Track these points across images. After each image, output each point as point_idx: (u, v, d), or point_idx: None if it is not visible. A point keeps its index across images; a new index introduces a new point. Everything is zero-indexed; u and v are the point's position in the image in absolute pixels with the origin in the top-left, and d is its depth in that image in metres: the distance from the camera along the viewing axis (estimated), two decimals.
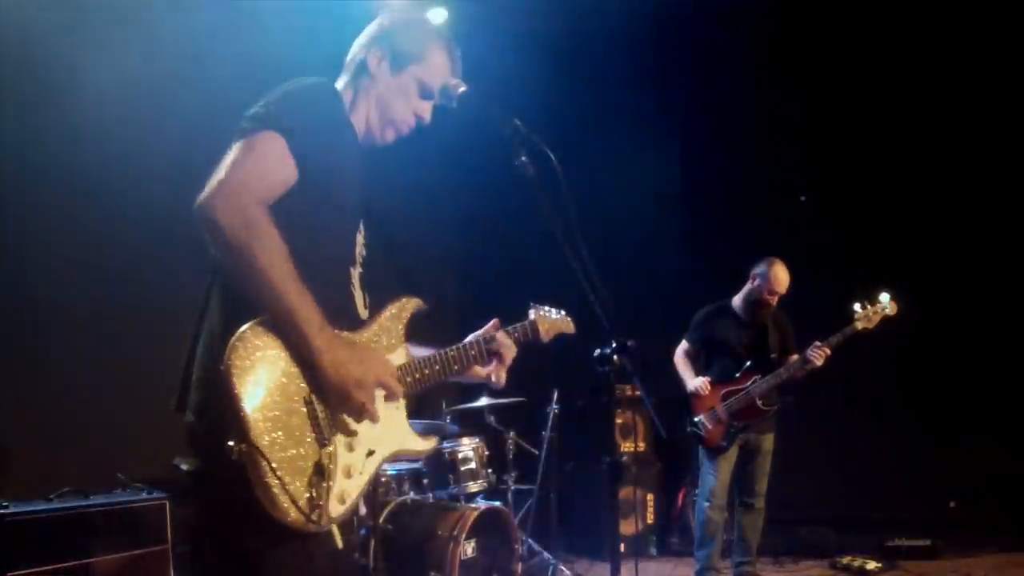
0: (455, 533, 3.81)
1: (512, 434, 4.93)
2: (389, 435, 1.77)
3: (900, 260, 5.92)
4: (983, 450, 5.68)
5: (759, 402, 4.51)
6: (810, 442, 5.68)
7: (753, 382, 4.52)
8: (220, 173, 1.55)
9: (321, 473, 1.56)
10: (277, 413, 1.52)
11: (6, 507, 3.03)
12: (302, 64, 1.93)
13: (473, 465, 4.48)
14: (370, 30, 1.95)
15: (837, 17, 6.03)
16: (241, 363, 1.50)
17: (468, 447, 4.50)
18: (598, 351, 2.03)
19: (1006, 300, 5.84)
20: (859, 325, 4.38)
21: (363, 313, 1.85)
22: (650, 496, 6.07)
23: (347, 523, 1.71)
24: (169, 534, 3.42)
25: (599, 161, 6.29)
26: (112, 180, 3.88)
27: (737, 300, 4.74)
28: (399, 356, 1.85)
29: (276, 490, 1.48)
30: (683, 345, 4.87)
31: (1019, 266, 5.78)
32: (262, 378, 1.52)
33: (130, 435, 3.81)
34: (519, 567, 4.29)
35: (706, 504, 4.60)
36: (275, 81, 1.74)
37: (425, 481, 4.39)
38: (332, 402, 1.61)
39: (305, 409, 1.57)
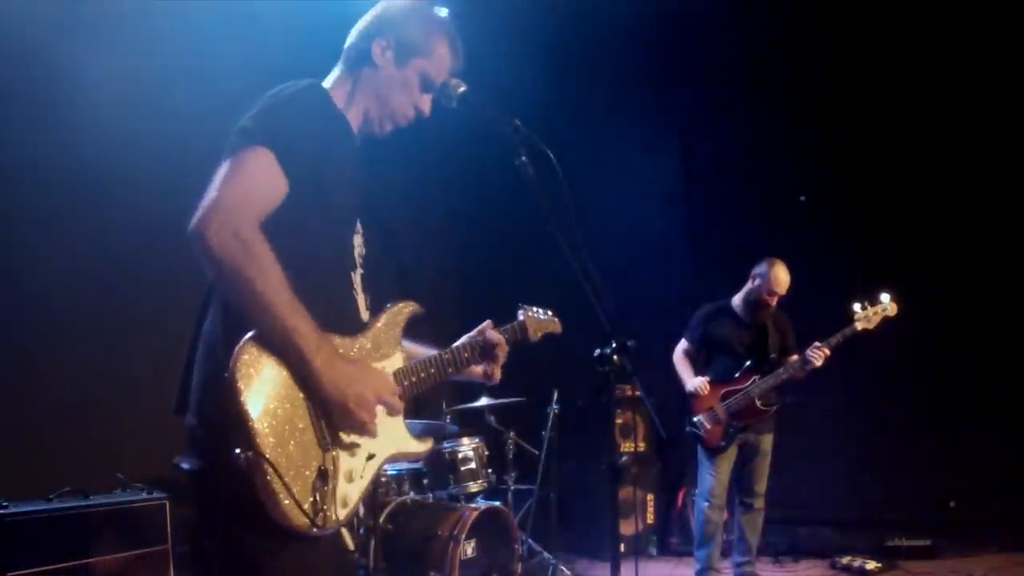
0: (455, 533, 3.81)
1: (512, 434, 4.92)
2: (388, 438, 1.78)
3: (900, 260, 5.92)
4: (983, 450, 5.67)
5: (758, 402, 4.51)
6: (810, 442, 5.67)
7: (752, 382, 4.52)
8: (211, 194, 1.53)
9: (324, 478, 1.57)
10: (281, 420, 1.54)
11: (6, 507, 3.02)
12: (302, 64, 1.91)
13: (473, 465, 4.47)
14: (374, 17, 1.90)
15: (838, 17, 6.03)
16: (246, 370, 1.51)
17: (468, 447, 4.49)
18: (598, 351, 2.03)
19: (1006, 300, 5.83)
20: (859, 325, 4.38)
21: (365, 315, 1.85)
22: (650, 496, 6.07)
23: (347, 523, 1.71)
24: (169, 534, 3.42)
25: (599, 161, 6.28)
26: (113, 180, 3.87)
27: (737, 300, 4.73)
28: (396, 361, 1.85)
29: (282, 495, 1.49)
30: (682, 344, 4.86)
31: (1019, 266, 5.78)
32: (266, 385, 1.53)
33: (130, 435, 3.80)
34: (519, 567, 4.28)
35: (705, 504, 4.61)
36: (275, 81, 1.74)
37: (425, 481, 4.39)
38: (333, 419, 1.62)
39: (308, 415, 1.59)
